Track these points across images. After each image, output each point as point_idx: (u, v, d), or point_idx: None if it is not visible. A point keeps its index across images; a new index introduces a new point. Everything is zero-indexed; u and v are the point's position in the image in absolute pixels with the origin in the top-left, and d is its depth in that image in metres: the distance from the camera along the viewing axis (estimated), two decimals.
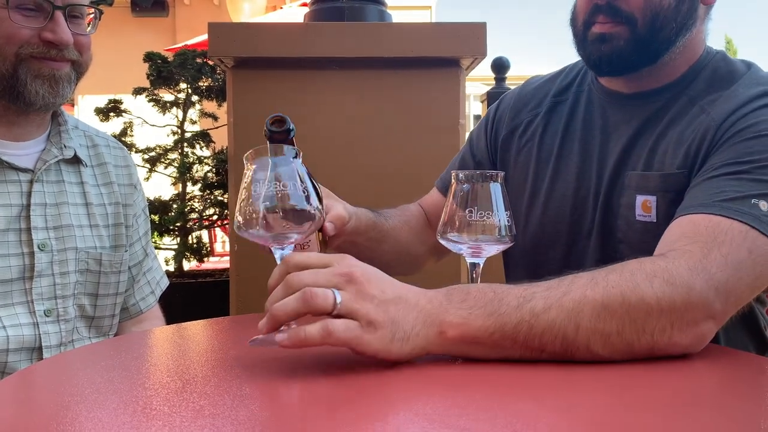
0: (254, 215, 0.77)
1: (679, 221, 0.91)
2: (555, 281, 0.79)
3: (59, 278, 1.19)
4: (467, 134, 2.20)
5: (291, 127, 0.93)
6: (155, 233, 2.82)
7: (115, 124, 2.97)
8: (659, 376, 0.75)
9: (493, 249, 0.85)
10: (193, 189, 2.96)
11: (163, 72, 2.87)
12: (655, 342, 0.78)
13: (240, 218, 0.79)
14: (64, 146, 1.24)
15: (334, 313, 0.71)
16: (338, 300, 0.71)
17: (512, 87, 3.17)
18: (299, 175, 0.79)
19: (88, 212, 1.26)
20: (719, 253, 0.83)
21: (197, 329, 1.06)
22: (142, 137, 3.03)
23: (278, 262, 0.81)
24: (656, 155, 1.06)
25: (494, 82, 3.09)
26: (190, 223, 2.82)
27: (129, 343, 1.05)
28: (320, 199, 0.87)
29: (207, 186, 2.91)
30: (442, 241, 0.88)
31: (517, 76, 2.87)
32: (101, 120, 2.94)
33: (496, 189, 0.85)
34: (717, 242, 0.84)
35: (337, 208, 1.05)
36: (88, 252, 1.23)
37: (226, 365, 0.81)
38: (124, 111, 2.96)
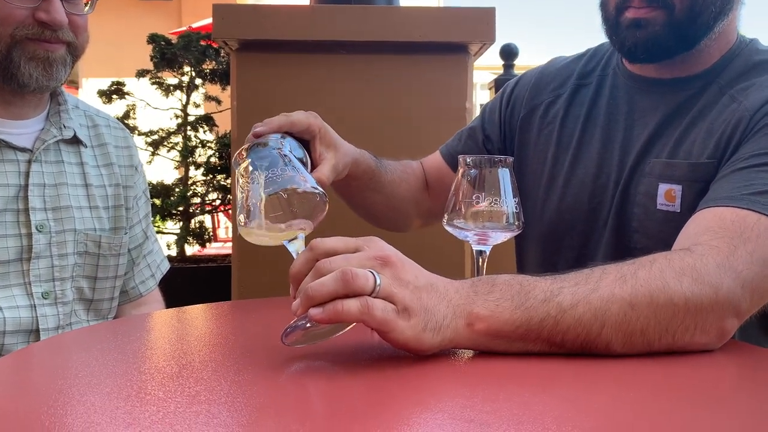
0: (256, 208, 0.75)
1: (704, 213, 0.88)
2: (583, 275, 0.77)
3: (57, 260, 1.17)
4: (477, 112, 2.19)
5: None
6: (157, 217, 2.80)
7: (118, 107, 2.95)
8: (672, 368, 0.73)
9: (500, 237, 0.83)
10: (196, 173, 2.94)
11: (166, 54, 2.84)
12: (675, 341, 0.76)
13: (242, 217, 0.76)
14: (64, 126, 1.22)
15: (372, 296, 0.68)
16: (378, 282, 0.68)
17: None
18: (292, 156, 0.77)
19: (88, 193, 1.24)
20: (745, 249, 0.81)
21: (196, 313, 1.04)
22: (145, 120, 3.00)
23: (293, 254, 0.78)
24: (684, 144, 1.03)
25: (502, 70, 3.05)
26: (193, 208, 2.80)
27: (126, 326, 1.03)
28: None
29: (210, 170, 2.88)
30: (448, 228, 0.85)
31: (524, 65, 2.83)
32: (104, 102, 2.91)
33: (504, 175, 0.82)
34: (743, 238, 0.82)
35: (321, 170, 1.00)
36: (87, 234, 1.21)
37: (225, 351, 0.79)
38: (127, 93, 2.94)
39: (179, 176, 2.97)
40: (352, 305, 0.67)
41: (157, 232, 3.16)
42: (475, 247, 0.85)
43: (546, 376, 0.70)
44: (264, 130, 0.95)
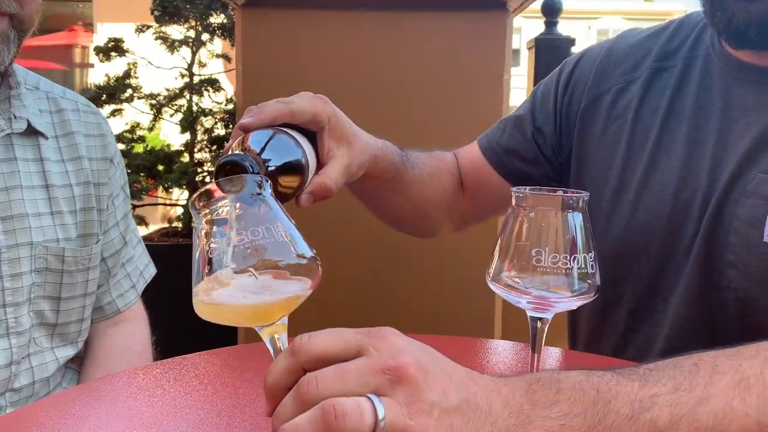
0: (218, 285, 0.52)
1: None
2: (683, 373, 0.54)
3: (9, 281, 0.96)
4: (511, 90, 1.93)
5: (252, 170, 0.64)
6: (159, 189, 2.59)
7: (117, 65, 2.70)
8: None
9: (566, 305, 0.60)
10: (203, 138, 2.70)
11: (168, 7, 2.58)
12: None
13: (202, 295, 0.53)
14: (14, 117, 0.99)
15: None
16: (381, 416, 0.45)
17: (563, 34, 2.83)
18: (273, 214, 0.54)
19: (49, 196, 1.03)
20: None
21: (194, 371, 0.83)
22: (147, 81, 2.75)
23: (269, 348, 0.56)
24: None
25: (544, 27, 2.74)
26: (199, 177, 2.58)
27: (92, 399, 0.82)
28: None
29: (214, 140, 2.64)
30: (493, 287, 0.62)
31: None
32: (101, 60, 2.67)
33: (576, 221, 0.59)
34: None
35: (329, 173, 0.78)
36: (47, 247, 1.00)
37: None
38: (127, 51, 2.69)
39: (185, 143, 2.73)
40: None
41: (160, 204, 2.99)
42: (531, 314, 0.62)
43: None
44: (254, 123, 0.72)
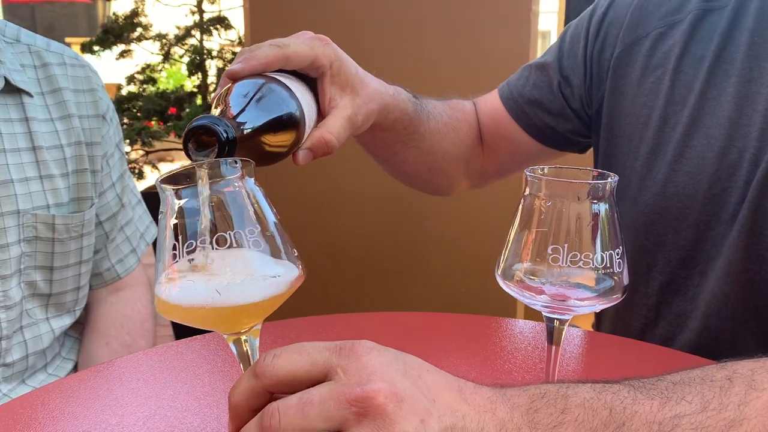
0: (176, 281, 0.45)
1: None
2: (713, 389, 0.46)
3: None
4: (539, 28, 1.79)
5: (227, 136, 0.53)
6: (171, 135, 2.51)
7: (125, 3, 2.59)
8: None
9: (586, 308, 0.52)
10: (216, 81, 2.60)
11: None
12: None
13: (166, 290, 0.46)
14: None
15: None
16: None
17: None
18: (256, 209, 0.46)
19: (37, 159, 0.96)
20: None
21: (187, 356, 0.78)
22: (156, 21, 2.63)
23: (233, 350, 0.50)
24: None
25: None
26: None
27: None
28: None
29: None
30: (503, 285, 0.54)
31: None
32: None
33: (601, 211, 0.50)
34: None
35: (330, 125, 0.69)
36: (35, 214, 0.94)
37: None
38: None
39: (196, 84, 2.64)
40: None
41: (174, 150, 2.90)
42: (548, 314, 0.55)
43: None
44: (243, 70, 0.63)
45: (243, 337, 0.49)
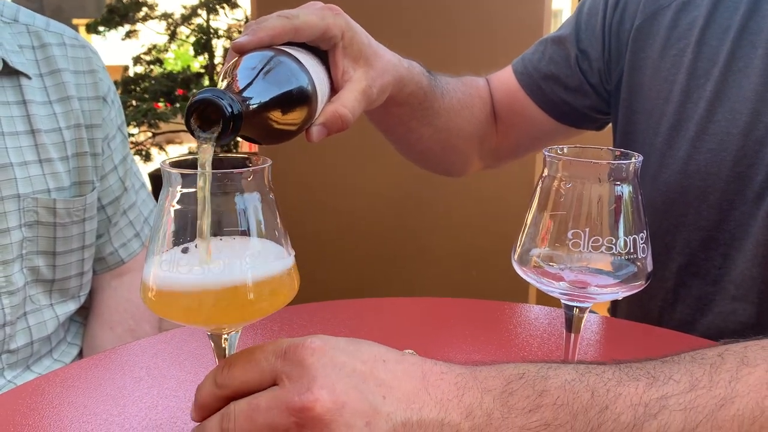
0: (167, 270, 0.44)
1: None
2: (703, 366, 0.43)
3: None
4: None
5: (231, 111, 0.48)
6: (178, 116, 2.48)
7: None
8: None
9: (608, 296, 0.49)
10: (222, 61, 2.57)
11: None
12: None
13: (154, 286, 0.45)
14: None
15: None
16: None
17: None
18: (260, 215, 0.45)
19: (36, 142, 0.94)
20: None
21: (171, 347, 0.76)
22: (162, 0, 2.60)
23: (211, 343, 0.49)
24: None
25: None
26: None
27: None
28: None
29: None
30: (520, 271, 0.52)
31: None
32: None
33: (624, 193, 0.47)
34: None
35: (344, 99, 0.65)
36: (36, 198, 0.92)
37: None
38: None
39: (204, 65, 2.60)
40: None
41: (181, 131, 2.88)
42: (567, 302, 0.52)
43: None
44: (250, 42, 0.58)
45: (224, 336, 0.48)
